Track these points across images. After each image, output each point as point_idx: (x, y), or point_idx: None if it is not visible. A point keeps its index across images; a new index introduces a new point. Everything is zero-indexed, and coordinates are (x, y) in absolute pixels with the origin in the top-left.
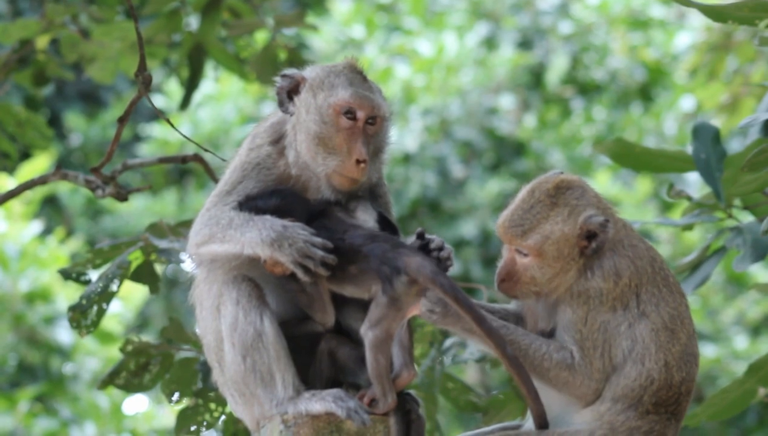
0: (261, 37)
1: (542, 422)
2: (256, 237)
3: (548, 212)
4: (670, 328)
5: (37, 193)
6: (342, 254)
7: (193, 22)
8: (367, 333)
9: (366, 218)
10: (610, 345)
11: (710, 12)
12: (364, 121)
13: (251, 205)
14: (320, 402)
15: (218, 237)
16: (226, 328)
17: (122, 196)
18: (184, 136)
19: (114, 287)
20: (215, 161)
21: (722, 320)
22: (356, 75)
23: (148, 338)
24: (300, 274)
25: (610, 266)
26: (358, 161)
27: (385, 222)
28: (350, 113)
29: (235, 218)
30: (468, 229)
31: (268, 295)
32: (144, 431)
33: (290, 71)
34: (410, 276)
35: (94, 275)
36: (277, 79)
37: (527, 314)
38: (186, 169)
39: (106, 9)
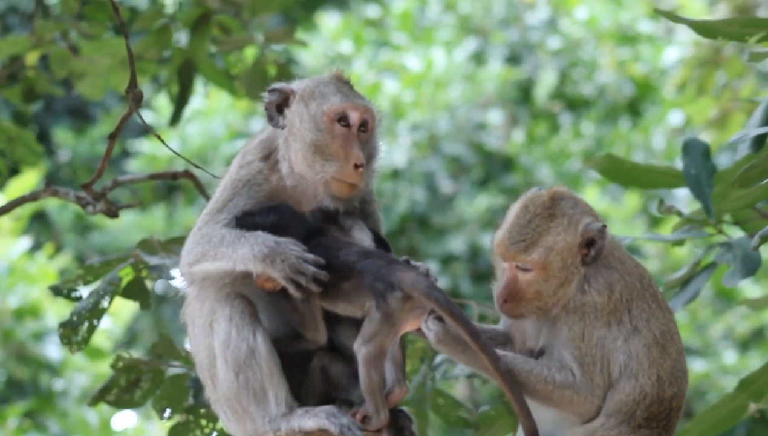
0: (250, 52)
1: None
2: (248, 253)
3: (548, 224)
4: (661, 343)
5: (26, 209)
6: (336, 270)
7: (182, 38)
8: (360, 349)
9: (362, 236)
10: (609, 360)
11: (701, 28)
12: (358, 126)
13: (248, 221)
14: (313, 419)
15: (210, 255)
16: (218, 345)
17: (113, 212)
18: (175, 153)
19: (105, 304)
20: (205, 177)
21: (711, 335)
22: (344, 84)
23: (136, 353)
24: (292, 290)
25: (603, 279)
26: (356, 166)
27: (378, 240)
28: (344, 120)
29: (227, 235)
30: (457, 244)
31: (260, 312)
32: None
33: (278, 85)
34: (404, 292)
35: (84, 291)
36: (265, 94)
37: (515, 334)
38: (175, 185)
39: (95, 25)
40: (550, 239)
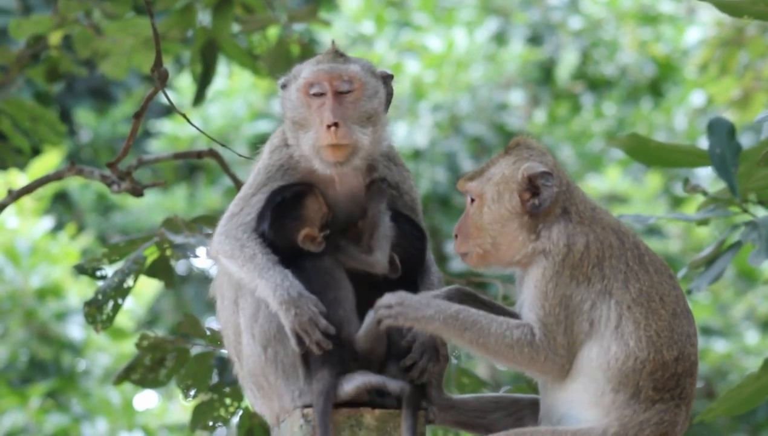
0: (273, 32)
1: None
2: (270, 289)
3: (499, 160)
4: (642, 303)
5: (48, 189)
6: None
7: (205, 17)
8: None
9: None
10: (573, 322)
11: (726, 7)
12: (334, 91)
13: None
14: (349, 383)
15: (239, 263)
16: (245, 320)
17: (138, 191)
18: (201, 131)
19: (130, 283)
20: (229, 156)
21: (733, 315)
22: (328, 54)
23: (159, 333)
24: (293, 343)
25: (560, 229)
26: (328, 127)
27: (414, 228)
28: (316, 89)
29: (259, 256)
30: None
31: None
32: (155, 427)
33: (284, 78)
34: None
35: (109, 270)
36: (279, 90)
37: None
38: (196, 165)
39: (118, 5)
40: (493, 170)
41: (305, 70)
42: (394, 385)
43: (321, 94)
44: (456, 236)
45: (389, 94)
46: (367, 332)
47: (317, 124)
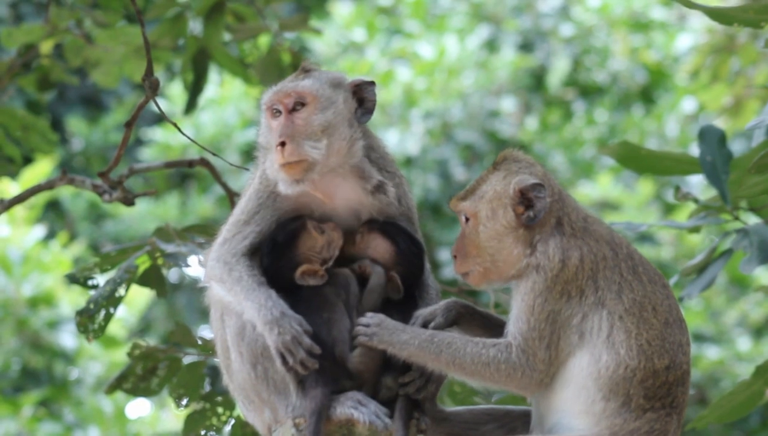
0: (264, 40)
1: None
2: (255, 310)
3: (488, 176)
4: (634, 313)
5: (40, 198)
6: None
7: (196, 26)
8: None
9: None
10: (559, 336)
11: (716, 15)
12: (288, 110)
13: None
14: (339, 408)
15: (227, 286)
16: (232, 337)
17: (129, 200)
18: (192, 140)
19: (121, 292)
20: (220, 165)
21: (725, 322)
22: (292, 74)
23: (151, 342)
24: (278, 363)
25: (555, 244)
26: (276, 146)
27: (412, 244)
28: (274, 111)
29: (245, 278)
30: None
31: None
32: None
33: None
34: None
35: (101, 279)
36: None
37: None
38: (188, 174)
39: (110, 14)
40: (484, 187)
41: (266, 93)
42: (380, 423)
43: (278, 115)
44: (455, 256)
45: (368, 102)
46: (361, 353)
47: (272, 145)
